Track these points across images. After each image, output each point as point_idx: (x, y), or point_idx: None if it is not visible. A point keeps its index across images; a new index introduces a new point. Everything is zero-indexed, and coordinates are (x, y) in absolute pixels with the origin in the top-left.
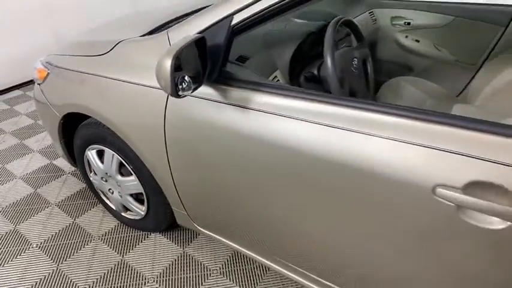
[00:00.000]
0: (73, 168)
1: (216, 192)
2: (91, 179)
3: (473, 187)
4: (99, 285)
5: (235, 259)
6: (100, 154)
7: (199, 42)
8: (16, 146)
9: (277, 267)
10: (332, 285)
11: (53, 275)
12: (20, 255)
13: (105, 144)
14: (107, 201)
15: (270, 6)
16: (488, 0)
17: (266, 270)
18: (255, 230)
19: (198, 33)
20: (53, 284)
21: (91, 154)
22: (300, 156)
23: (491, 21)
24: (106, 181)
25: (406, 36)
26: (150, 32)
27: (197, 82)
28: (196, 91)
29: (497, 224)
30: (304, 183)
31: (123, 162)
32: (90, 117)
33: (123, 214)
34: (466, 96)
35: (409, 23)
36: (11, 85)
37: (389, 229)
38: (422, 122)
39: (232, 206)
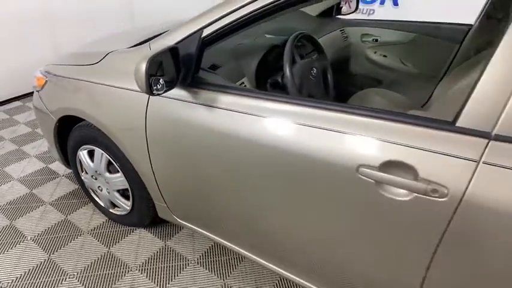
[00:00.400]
0: (67, 171)
1: (191, 185)
2: (82, 178)
3: (387, 166)
4: (86, 273)
5: (213, 251)
6: (91, 154)
7: (174, 52)
8: (14, 151)
9: (249, 254)
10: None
11: (45, 263)
12: (15, 246)
13: (95, 144)
14: (97, 199)
15: (233, 21)
16: (445, 19)
17: (241, 260)
18: (227, 220)
19: (174, 44)
20: (45, 271)
21: (83, 154)
22: (258, 147)
23: (448, 38)
24: (96, 179)
25: (375, 52)
26: (137, 45)
27: (171, 85)
28: (172, 94)
29: (405, 195)
30: (262, 172)
31: (111, 160)
32: (82, 120)
33: (111, 210)
34: (430, 106)
35: (376, 40)
36: (11, 96)
37: (325, 205)
38: (347, 114)
39: (206, 197)
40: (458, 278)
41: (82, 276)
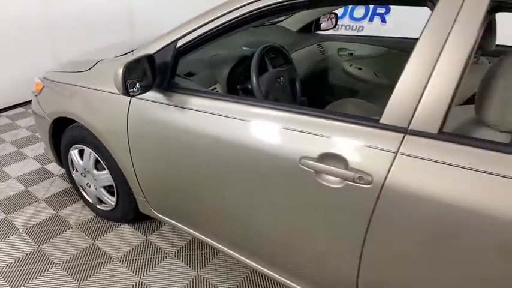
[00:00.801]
0: (62, 172)
1: (167, 180)
2: (73, 175)
3: (323, 157)
4: (71, 262)
5: (191, 246)
6: (81, 153)
7: (151, 59)
8: (14, 153)
9: (224, 248)
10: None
11: (34, 253)
12: (8, 237)
13: (85, 144)
14: (85, 195)
15: (204, 33)
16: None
17: (215, 255)
18: (198, 213)
19: (154, 53)
20: (34, 259)
21: (73, 153)
22: (225, 145)
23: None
24: (85, 176)
25: (351, 65)
26: (125, 54)
27: (147, 88)
28: (150, 96)
29: (338, 183)
30: (227, 167)
31: (98, 158)
32: (74, 122)
33: (98, 206)
34: None
35: (352, 54)
36: (15, 103)
37: (271, 193)
38: (294, 114)
39: (180, 192)
40: (389, 255)
41: (67, 265)
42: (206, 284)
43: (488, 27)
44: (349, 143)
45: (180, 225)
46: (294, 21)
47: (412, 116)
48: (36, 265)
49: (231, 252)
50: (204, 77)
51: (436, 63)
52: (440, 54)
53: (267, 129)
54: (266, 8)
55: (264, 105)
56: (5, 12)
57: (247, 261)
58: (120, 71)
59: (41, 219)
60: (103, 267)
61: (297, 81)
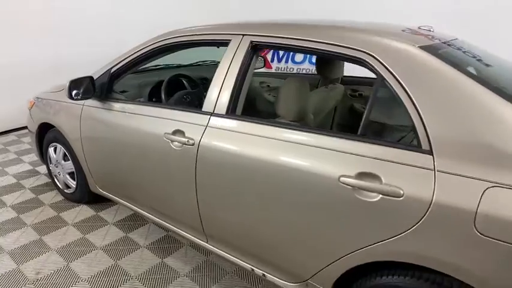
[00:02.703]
0: (46, 171)
1: (106, 164)
2: (50, 167)
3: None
4: (39, 225)
5: (133, 217)
6: (55, 150)
7: (91, 79)
8: (15, 159)
9: (145, 212)
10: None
11: (14, 220)
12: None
13: (57, 142)
14: (57, 183)
15: (126, 63)
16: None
17: (148, 223)
18: (133, 190)
19: (97, 76)
20: (13, 224)
21: (50, 150)
22: (139, 134)
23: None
24: (57, 167)
25: (269, 94)
26: None
27: (87, 97)
28: (93, 104)
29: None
30: (141, 151)
31: (65, 152)
32: (53, 127)
33: (65, 191)
34: None
35: (269, 85)
36: (22, 125)
37: (149, 160)
38: (182, 111)
39: (115, 172)
40: (211, 195)
41: (35, 227)
42: None
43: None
44: (192, 126)
45: (117, 198)
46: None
47: (215, 105)
48: (13, 225)
49: (148, 215)
50: (132, 93)
51: (224, 79)
52: (226, 74)
53: (159, 121)
54: (160, 47)
55: (164, 106)
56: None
57: (159, 220)
58: (67, 84)
59: (23, 199)
60: (61, 230)
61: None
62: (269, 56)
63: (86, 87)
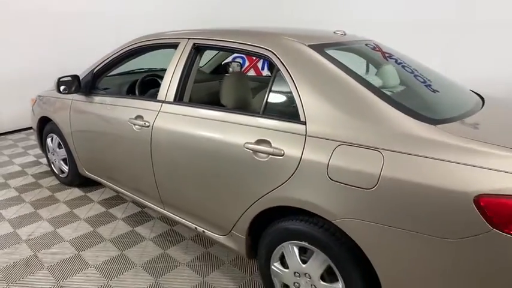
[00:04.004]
0: (46, 161)
1: (91, 150)
2: (48, 156)
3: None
4: (35, 201)
5: (118, 198)
6: (52, 140)
7: (77, 77)
8: (22, 152)
9: (130, 194)
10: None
11: (14, 197)
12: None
13: (53, 133)
14: (54, 168)
15: (105, 65)
16: None
17: (127, 200)
18: (114, 171)
19: (85, 75)
20: (12, 202)
21: (48, 140)
22: (116, 122)
23: None
24: (53, 154)
25: None
26: None
27: (74, 91)
28: (79, 98)
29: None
30: (117, 136)
31: (59, 141)
32: (51, 121)
33: (60, 175)
34: None
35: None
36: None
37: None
38: (146, 101)
39: (99, 156)
40: (162, 169)
41: (32, 203)
42: None
43: None
44: (148, 112)
45: (101, 179)
46: (207, 66)
47: (166, 94)
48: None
49: (126, 192)
50: (113, 90)
51: (173, 73)
52: (175, 69)
53: (127, 109)
54: (130, 50)
55: (131, 97)
56: None
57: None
58: (56, 81)
59: (26, 182)
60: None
61: None
62: (259, 65)
63: (72, 83)
